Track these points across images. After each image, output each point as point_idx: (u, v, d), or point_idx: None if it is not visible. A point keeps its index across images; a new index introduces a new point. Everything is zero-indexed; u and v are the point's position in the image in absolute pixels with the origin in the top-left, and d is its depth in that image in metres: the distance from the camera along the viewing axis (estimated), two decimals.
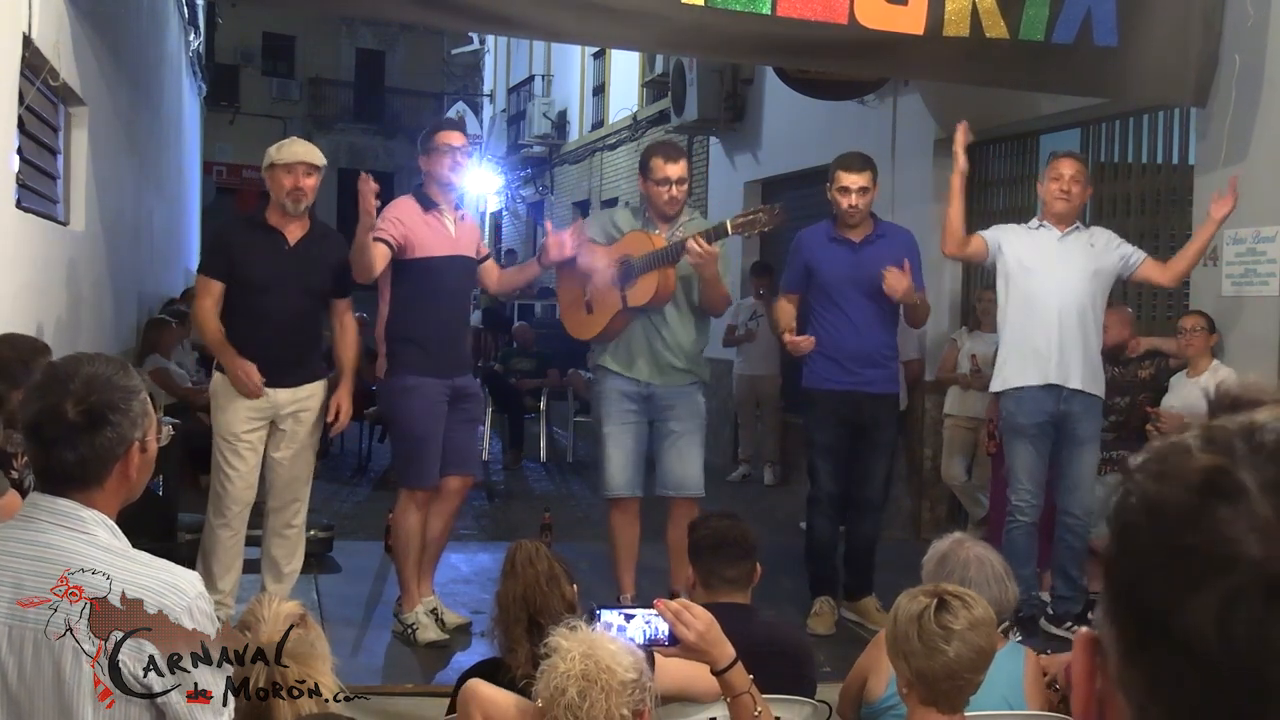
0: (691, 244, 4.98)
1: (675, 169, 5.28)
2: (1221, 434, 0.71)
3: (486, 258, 5.58)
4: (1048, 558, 5.96)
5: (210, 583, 4.92)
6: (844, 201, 5.51)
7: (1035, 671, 3.29)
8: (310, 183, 5.01)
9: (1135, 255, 5.52)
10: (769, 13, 4.95)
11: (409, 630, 5.17)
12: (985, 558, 3.36)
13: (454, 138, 5.29)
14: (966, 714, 2.64)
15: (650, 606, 2.59)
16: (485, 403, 11.24)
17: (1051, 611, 5.58)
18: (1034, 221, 5.59)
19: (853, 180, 5.51)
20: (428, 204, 5.23)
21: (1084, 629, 0.78)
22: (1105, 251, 5.46)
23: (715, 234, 5.07)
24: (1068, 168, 5.46)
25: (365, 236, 4.95)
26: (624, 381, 5.34)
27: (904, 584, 3.24)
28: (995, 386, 5.59)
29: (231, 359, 4.95)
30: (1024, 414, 5.41)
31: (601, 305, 5.32)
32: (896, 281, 5.38)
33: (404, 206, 5.23)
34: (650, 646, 2.56)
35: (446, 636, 5.19)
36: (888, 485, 5.92)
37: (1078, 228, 5.49)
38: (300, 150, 5.04)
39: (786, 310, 5.70)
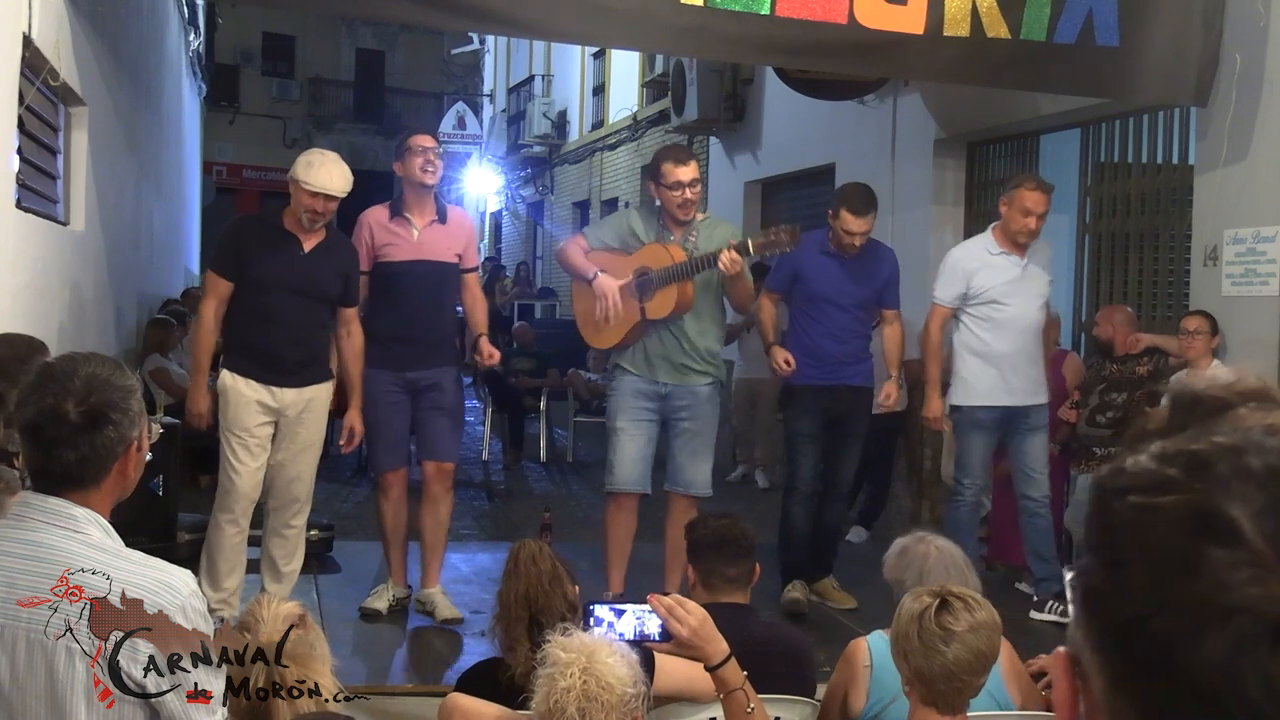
0: (726, 259, 5.10)
1: (687, 172, 5.32)
2: (1203, 457, 0.68)
3: (471, 269, 5.57)
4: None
5: (215, 581, 4.93)
6: (845, 241, 5.58)
7: (1011, 656, 3.28)
8: (331, 207, 5.03)
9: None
10: (768, 13, 4.97)
11: (425, 607, 5.42)
12: (946, 549, 3.38)
13: (425, 140, 5.37)
14: (968, 715, 2.63)
15: (642, 602, 2.58)
16: (485, 403, 11.25)
17: (1036, 597, 5.70)
18: (991, 244, 5.63)
19: (858, 225, 5.56)
20: (395, 211, 5.35)
21: (1060, 649, 0.76)
22: (1047, 276, 5.70)
23: (739, 251, 5.14)
24: (1038, 205, 5.47)
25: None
26: (641, 381, 5.41)
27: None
28: (955, 397, 5.72)
29: (198, 386, 5.10)
30: (984, 412, 5.68)
31: (619, 316, 5.37)
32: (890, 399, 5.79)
33: (368, 219, 5.39)
34: (641, 642, 2.56)
35: (460, 618, 5.34)
36: (887, 477, 5.97)
37: (1032, 251, 5.62)
38: (326, 180, 4.94)
39: (769, 311, 5.81)
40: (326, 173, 4.95)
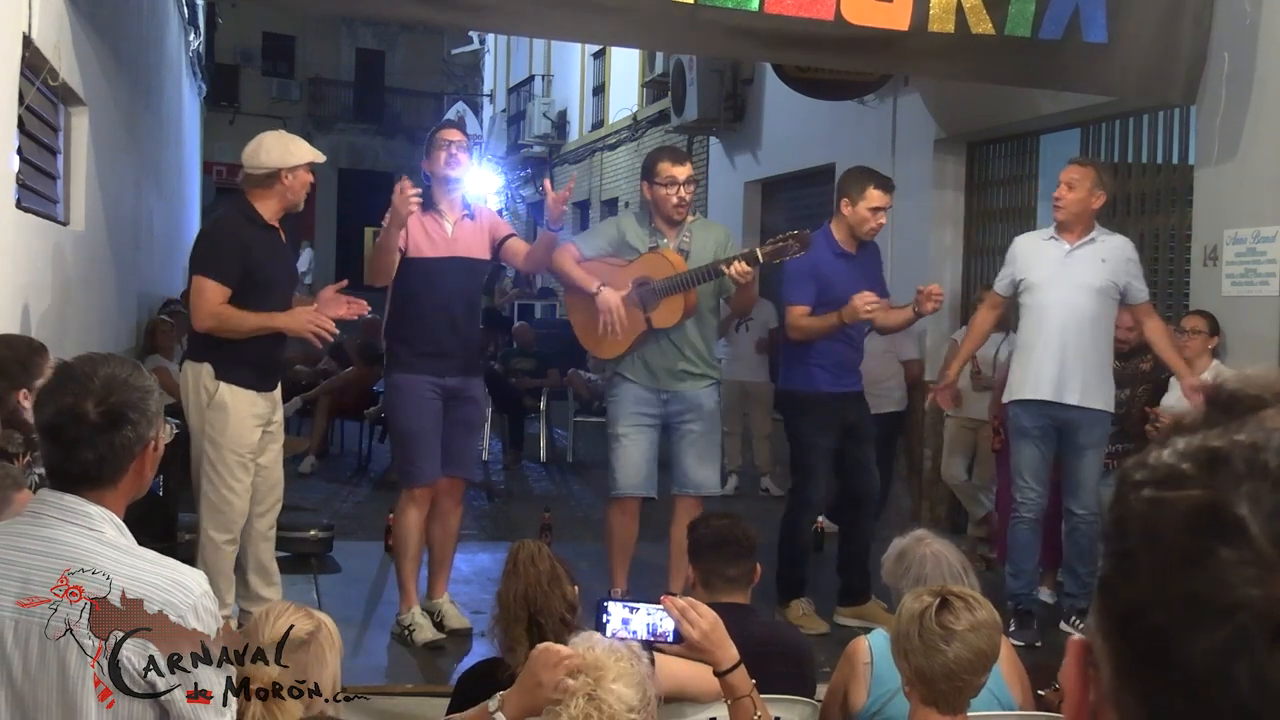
0: (737, 270, 5.06)
1: (682, 170, 5.34)
2: (1221, 454, 0.68)
3: (509, 237, 5.39)
4: (1050, 559, 5.97)
5: (220, 599, 4.74)
6: (873, 221, 5.51)
7: (1011, 655, 3.28)
8: None
9: (1137, 292, 5.42)
10: (756, 9, 5.05)
11: (407, 631, 5.20)
12: (942, 554, 3.38)
13: (451, 134, 5.31)
14: (969, 714, 2.63)
15: (655, 602, 2.58)
16: (485, 403, 11.24)
17: (1064, 608, 5.67)
18: (1049, 230, 5.53)
19: (887, 201, 5.54)
20: (427, 206, 5.21)
21: (1076, 635, 0.77)
22: (1115, 268, 5.35)
23: (748, 260, 5.11)
24: (1064, 174, 5.44)
25: (394, 237, 5.01)
26: (641, 389, 5.38)
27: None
28: (1005, 397, 5.60)
29: (285, 314, 4.80)
30: (1027, 416, 5.44)
31: (624, 326, 5.32)
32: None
33: None
34: (653, 642, 2.55)
35: (443, 636, 5.20)
36: (888, 478, 5.91)
37: (1091, 239, 5.38)
38: (315, 150, 4.94)
39: (811, 326, 5.51)
40: (312, 146, 4.93)
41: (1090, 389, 5.35)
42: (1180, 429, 0.73)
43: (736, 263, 5.08)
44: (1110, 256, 5.38)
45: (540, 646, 2.48)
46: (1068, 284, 5.33)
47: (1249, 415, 0.71)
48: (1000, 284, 5.60)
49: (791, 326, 5.55)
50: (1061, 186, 5.38)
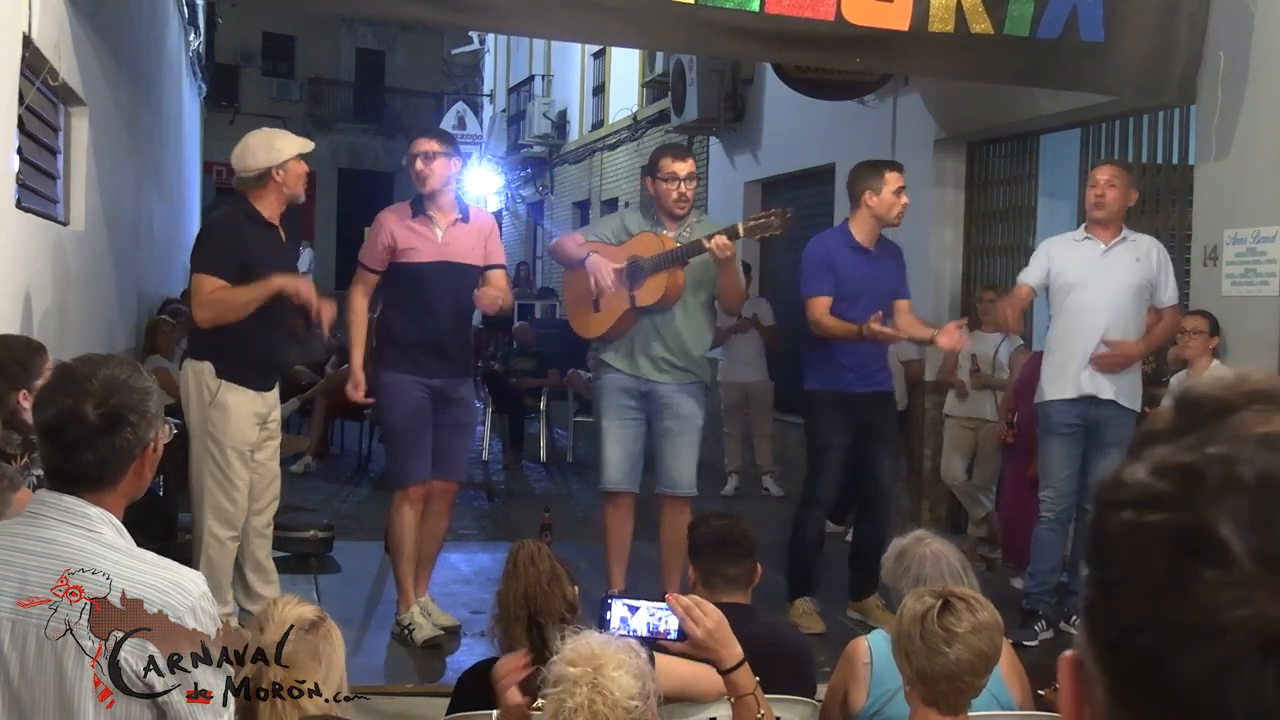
0: (717, 241, 5.05)
1: (683, 166, 5.36)
2: (1195, 470, 0.67)
3: (494, 266, 5.37)
4: None
5: (221, 596, 4.70)
6: (899, 203, 5.49)
7: (1010, 656, 3.28)
8: None
9: (1167, 294, 5.44)
10: (757, 10, 5.07)
11: (406, 631, 5.20)
12: (941, 553, 3.38)
13: (422, 144, 5.17)
14: (969, 715, 2.63)
15: (659, 600, 2.58)
16: (485, 403, 11.24)
17: (1066, 607, 5.62)
18: (1079, 231, 5.53)
19: (903, 181, 5.54)
20: (418, 209, 5.21)
21: (1068, 652, 0.76)
22: (1150, 267, 5.39)
23: (729, 235, 5.12)
24: (1103, 174, 5.44)
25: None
26: (625, 378, 5.39)
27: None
28: (1037, 398, 5.58)
29: (287, 279, 4.80)
30: (1057, 414, 5.44)
31: (609, 304, 5.35)
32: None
33: (391, 218, 5.22)
34: (655, 639, 2.55)
35: (442, 633, 5.22)
36: (894, 481, 5.93)
37: (1124, 238, 5.40)
38: (305, 141, 4.91)
39: (834, 321, 5.48)
40: (300, 138, 4.90)
41: (1123, 387, 5.37)
42: (1152, 436, 0.72)
43: (717, 236, 5.08)
44: (1144, 256, 5.40)
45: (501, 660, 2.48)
46: (1108, 283, 5.33)
47: (1216, 421, 0.69)
48: (1032, 276, 5.53)
49: (813, 320, 5.50)
50: (1102, 185, 5.37)
